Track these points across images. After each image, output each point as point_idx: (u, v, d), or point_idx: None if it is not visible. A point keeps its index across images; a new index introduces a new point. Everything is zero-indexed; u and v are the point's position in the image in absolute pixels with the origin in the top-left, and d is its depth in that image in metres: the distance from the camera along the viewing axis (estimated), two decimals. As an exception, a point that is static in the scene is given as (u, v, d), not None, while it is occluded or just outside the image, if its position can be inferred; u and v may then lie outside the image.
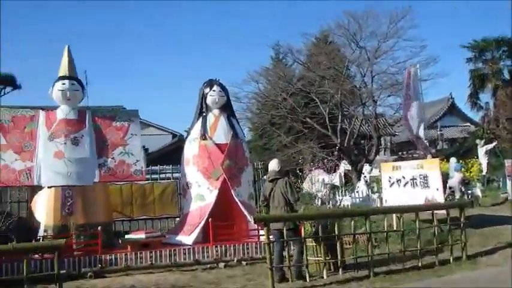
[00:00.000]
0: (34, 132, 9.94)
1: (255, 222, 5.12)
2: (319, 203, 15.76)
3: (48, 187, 9.59)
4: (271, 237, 7.33)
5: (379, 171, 14.46)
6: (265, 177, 8.44)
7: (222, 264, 9.23)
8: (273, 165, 8.11)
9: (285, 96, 23.37)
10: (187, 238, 10.01)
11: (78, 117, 10.23)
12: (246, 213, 10.36)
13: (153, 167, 13.44)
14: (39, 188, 9.73)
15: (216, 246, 9.63)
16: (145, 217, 11.86)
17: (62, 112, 10.17)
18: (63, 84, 10.13)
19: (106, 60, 61.22)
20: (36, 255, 8.73)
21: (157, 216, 12.23)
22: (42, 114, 10.18)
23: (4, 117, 9.91)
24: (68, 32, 57.22)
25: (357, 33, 22.58)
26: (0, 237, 5.86)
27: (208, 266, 9.25)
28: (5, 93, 25.85)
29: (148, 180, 12.37)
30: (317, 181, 17.94)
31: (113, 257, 9.08)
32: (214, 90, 11.10)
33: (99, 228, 9.21)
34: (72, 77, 10.31)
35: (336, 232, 5.51)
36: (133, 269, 8.91)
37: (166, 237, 10.33)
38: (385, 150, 32.84)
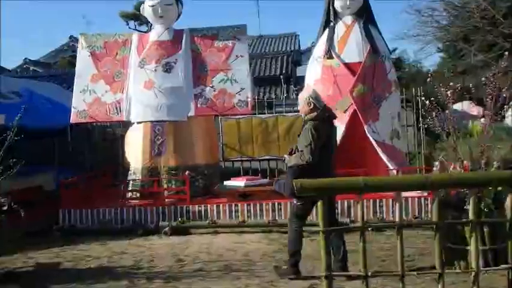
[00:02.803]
0: (126, 58, 8.54)
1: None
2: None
3: (138, 123, 8.24)
4: None
5: None
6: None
7: (341, 226, 6.74)
8: (314, 94, 4.92)
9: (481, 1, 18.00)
10: (301, 188, 7.69)
11: (173, 38, 8.48)
12: (384, 157, 7.65)
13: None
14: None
15: (337, 201, 7.14)
16: (268, 157, 9.77)
17: (155, 33, 8.55)
18: (153, -2, 8.42)
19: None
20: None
21: (282, 156, 10.01)
22: (135, 37, 8.74)
23: (96, 43, 8.72)
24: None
25: None
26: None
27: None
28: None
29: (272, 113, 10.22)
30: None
31: (203, 209, 7.39)
32: (344, -10, 8.17)
33: (187, 172, 7.55)
34: (164, -11, 8.51)
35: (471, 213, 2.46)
36: (221, 226, 7.08)
37: (276, 186, 8.15)
38: None
